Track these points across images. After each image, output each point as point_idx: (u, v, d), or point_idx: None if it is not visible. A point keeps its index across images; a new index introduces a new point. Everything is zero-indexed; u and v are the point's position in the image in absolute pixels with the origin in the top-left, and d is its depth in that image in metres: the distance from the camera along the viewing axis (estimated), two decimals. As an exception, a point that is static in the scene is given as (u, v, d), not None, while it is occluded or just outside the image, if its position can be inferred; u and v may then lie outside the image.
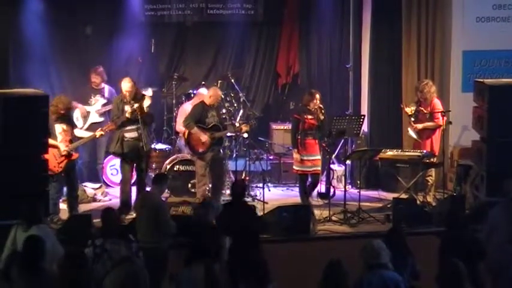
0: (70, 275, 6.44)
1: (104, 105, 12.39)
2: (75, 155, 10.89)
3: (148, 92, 12.17)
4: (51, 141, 10.47)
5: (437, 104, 11.91)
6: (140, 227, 8.71)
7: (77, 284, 6.46)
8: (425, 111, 11.88)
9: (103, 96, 12.48)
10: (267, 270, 6.63)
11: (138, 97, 11.11)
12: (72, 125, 11.08)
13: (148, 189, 10.43)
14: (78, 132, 11.41)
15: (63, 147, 10.66)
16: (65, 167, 10.72)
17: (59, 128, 10.74)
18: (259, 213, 10.62)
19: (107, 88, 12.52)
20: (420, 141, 11.99)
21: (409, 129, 12.11)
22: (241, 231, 8.39)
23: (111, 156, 12.52)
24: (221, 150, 11.89)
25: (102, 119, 12.32)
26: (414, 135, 12.00)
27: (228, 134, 12.21)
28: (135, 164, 11.12)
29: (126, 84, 11.06)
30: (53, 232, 8.33)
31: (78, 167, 11.52)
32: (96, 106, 12.39)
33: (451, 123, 12.07)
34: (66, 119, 10.91)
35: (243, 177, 12.06)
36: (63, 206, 11.05)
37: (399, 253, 7.21)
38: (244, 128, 11.87)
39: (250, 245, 8.17)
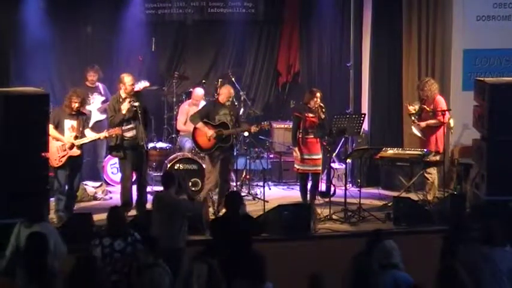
0: (84, 279, 6.46)
1: (103, 102, 12.39)
2: (77, 151, 10.82)
3: (141, 84, 11.77)
4: (56, 134, 10.46)
5: (440, 101, 11.80)
6: (158, 228, 8.58)
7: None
8: (428, 109, 11.84)
9: (100, 93, 12.50)
10: (263, 268, 6.60)
11: (138, 95, 11.11)
12: (84, 124, 10.89)
13: (160, 189, 10.26)
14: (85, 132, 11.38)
15: (68, 139, 10.60)
16: (67, 163, 10.67)
17: (68, 123, 10.69)
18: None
19: (101, 86, 12.55)
20: (425, 139, 11.95)
21: (412, 127, 12.05)
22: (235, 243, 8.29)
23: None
24: (231, 152, 11.63)
25: (104, 116, 12.30)
26: (418, 133, 11.96)
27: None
28: (134, 163, 11.09)
29: (129, 78, 11.01)
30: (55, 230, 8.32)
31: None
32: (96, 104, 12.39)
33: (450, 119, 12.06)
34: (80, 116, 10.82)
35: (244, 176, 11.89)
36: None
37: None
38: (254, 128, 11.67)
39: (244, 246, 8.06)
